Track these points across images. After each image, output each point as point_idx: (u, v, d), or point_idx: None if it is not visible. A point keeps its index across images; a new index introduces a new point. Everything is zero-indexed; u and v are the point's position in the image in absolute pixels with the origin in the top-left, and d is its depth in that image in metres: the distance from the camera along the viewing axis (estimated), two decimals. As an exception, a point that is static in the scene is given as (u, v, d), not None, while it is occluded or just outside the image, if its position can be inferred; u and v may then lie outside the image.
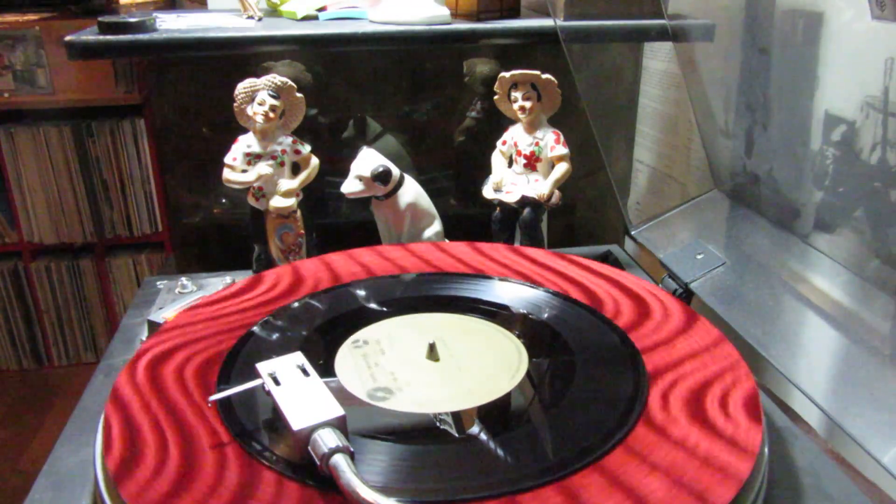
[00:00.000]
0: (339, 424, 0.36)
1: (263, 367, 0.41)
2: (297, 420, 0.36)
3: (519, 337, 0.50)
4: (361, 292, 0.56)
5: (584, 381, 0.44)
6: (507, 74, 0.64)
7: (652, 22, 0.76)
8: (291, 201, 0.64)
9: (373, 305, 0.54)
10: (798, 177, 0.60)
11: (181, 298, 0.61)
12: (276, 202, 0.63)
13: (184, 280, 0.66)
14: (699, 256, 0.65)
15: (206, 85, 0.93)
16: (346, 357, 0.47)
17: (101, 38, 0.72)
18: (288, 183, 0.64)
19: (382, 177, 0.65)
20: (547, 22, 0.79)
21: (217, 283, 0.64)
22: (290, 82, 0.62)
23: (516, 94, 0.64)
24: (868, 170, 0.51)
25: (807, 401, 0.47)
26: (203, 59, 0.91)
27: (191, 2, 1.28)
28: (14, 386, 1.56)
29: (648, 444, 0.38)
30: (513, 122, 0.67)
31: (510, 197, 0.66)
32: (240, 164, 0.63)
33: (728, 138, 0.70)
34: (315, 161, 0.65)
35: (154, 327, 0.56)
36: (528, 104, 0.64)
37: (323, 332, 0.50)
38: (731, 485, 0.35)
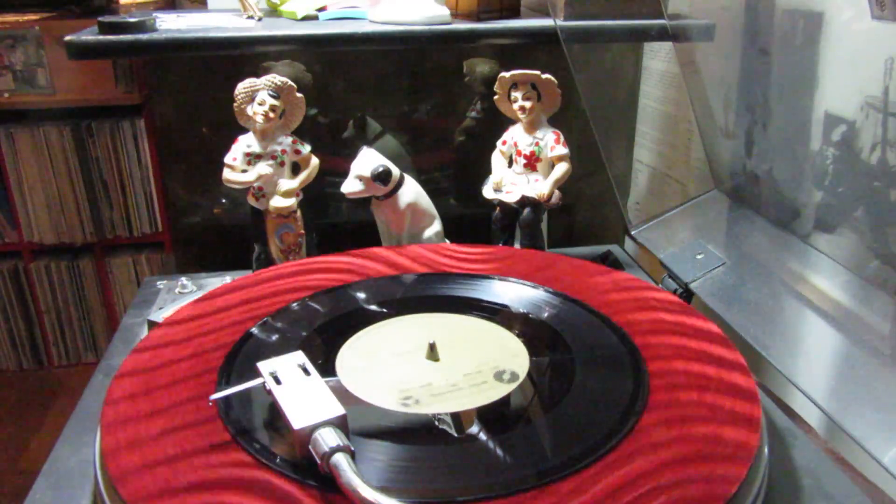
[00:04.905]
0: (340, 424, 0.36)
1: (264, 366, 0.41)
2: (298, 419, 0.36)
3: (519, 337, 0.50)
4: (361, 294, 0.56)
5: (584, 380, 0.44)
6: (507, 74, 0.64)
7: (652, 22, 0.76)
8: (291, 201, 0.64)
9: (373, 306, 0.54)
10: (798, 177, 0.60)
11: (181, 298, 0.61)
12: (276, 202, 0.63)
13: (184, 280, 0.66)
14: (699, 256, 0.65)
15: (206, 85, 0.93)
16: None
17: (101, 38, 0.72)
18: (288, 183, 0.64)
19: (382, 177, 0.65)
20: (547, 22, 0.79)
21: (217, 283, 0.64)
22: (290, 82, 0.62)
23: (516, 94, 0.64)
24: (868, 170, 0.51)
25: (807, 401, 0.47)
26: (203, 59, 0.91)
27: (191, 2, 1.28)
28: (14, 386, 1.56)
29: (649, 443, 0.38)
30: (513, 122, 0.67)
31: (510, 197, 0.66)
32: (240, 164, 0.63)
33: (728, 138, 0.70)
34: (315, 161, 0.65)
35: (154, 327, 0.56)
36: (528, 104, 0.64)
37: (323, 332, 0.50)
38: (733, 481, 0.35)
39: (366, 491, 0.32)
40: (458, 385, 0.44)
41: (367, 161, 0.65)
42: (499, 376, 0.44)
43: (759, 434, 0.38)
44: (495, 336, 0.50)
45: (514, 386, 0.44)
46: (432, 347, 0.47)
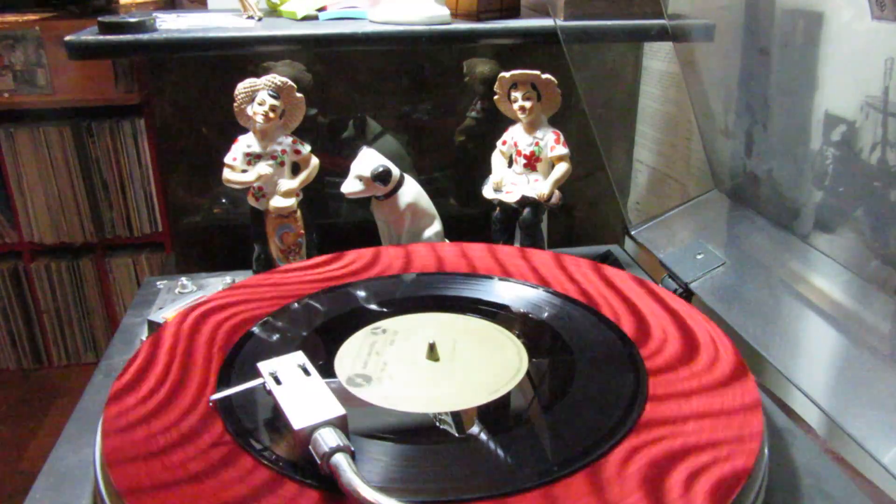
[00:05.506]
0: (340, 424, 0.36)
1: (264, 366, 0.41)
2: (298, 419, 0.36)
3: (519, 337, 0.50)
4: (361, 292, 0.56)
5: (584, 381, 0.44)
6: (507, 74, 0.64)
7: (652, 22, 0.76)
8: (291, 201, 0.64)
9: (373, 306, 0.54)
10: (798, 177, 0.60)
11: (181, 298, 0.61)
12: (276, 202, 0.63)
13: (184, 280, 0.66)
14: (699, 256, 0.65)
15: (206, 85, 0.93)
16: (358, 339, 0.49)
17: (101, 38, 0.72)
18: (288, 183, 0.64)
19: (382, 177, 0.65)
20: (547, 22, 0.79)
21: (217, 283, 0.64)
22: (290, 82, 0.62)
23: (516, 94, 0.64)
24: (868, 170, 0.51)
25: (807, 401, 0.47)
26: (203, 59, 0.91)
27: (191, 2, 1.28)
28: (14, 386, 1.56)
29: (648, 444, 0.38)
30: (513, 122, 0.67)
31: (510, 197, 0.66)
32: (240, 164, 0.63)
33: (728, 138, 0.70)
34: (315, 161, 0.65)
35: (154, 327, 0.56)
36: (528, 104, 0.64)
37: (323, 332, 0.50)
38: (732, 481, 0.35)
39: (366, 491, 0.32)
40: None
41: (367, 161, 0.65)
42: (351, 381, 0.44)
43: (759, 434, 0.38)
44: (494, 336, 0.50)
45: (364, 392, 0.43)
46: (432, 348, 0.47)
